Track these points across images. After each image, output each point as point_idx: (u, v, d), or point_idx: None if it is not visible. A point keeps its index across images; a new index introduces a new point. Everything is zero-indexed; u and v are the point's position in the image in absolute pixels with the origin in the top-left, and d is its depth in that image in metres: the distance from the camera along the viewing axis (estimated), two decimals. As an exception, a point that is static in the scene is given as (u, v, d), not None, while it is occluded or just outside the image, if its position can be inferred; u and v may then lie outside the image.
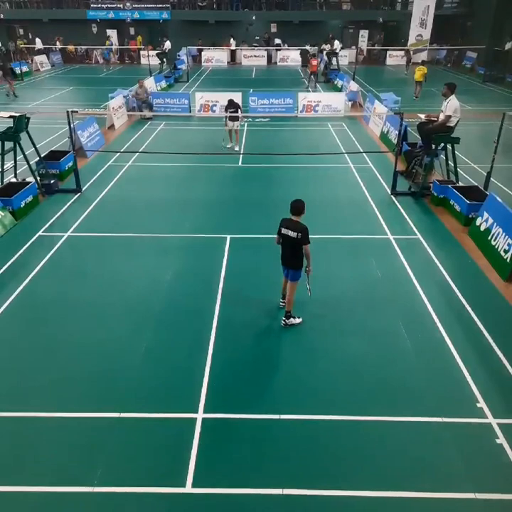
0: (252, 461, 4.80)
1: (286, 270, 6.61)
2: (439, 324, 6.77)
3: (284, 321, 6.71)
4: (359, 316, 7.05)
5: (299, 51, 35.17)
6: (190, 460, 4.76)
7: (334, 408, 5.40)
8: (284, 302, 6.95)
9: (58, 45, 35.25)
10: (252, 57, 35.18)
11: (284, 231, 6.38)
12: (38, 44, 33.13)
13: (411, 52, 31.53)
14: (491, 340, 6.44)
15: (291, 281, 6.52)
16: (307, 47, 34.65)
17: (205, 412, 5.33)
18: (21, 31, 37.26)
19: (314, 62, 24.95)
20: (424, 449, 4.93)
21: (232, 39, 34.48)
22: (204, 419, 5.24)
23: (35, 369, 5.99)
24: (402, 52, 34.08)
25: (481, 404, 5.44)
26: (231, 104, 14.31)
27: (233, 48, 34.80)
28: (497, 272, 8.05)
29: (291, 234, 6.25)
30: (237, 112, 14.31)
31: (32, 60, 31.96)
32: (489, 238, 8.55)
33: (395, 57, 35.04)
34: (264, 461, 4.80)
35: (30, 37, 36.66)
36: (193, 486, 4.53)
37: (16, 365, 6.07)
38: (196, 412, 5.33)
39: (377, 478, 4.62)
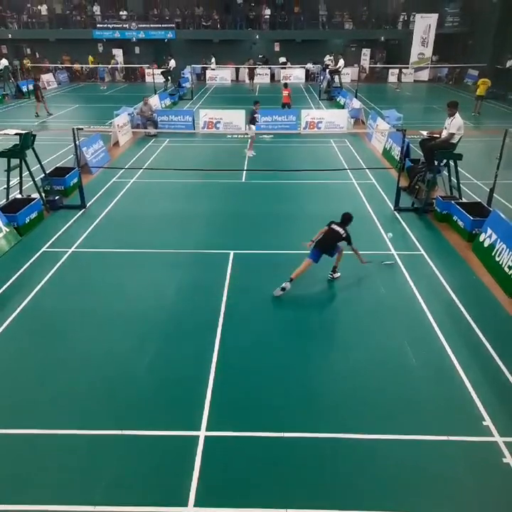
0: (255, 480, 4.74)
1: (319, 255, 7.91)
2: (444, 341, 6.72)
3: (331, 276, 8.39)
4: (363, 333, 7.01)
5: (302, 69, 35.71)
6: (192, 479, 4.70)
7: (338, 426, 5.34)
8: (291, 281, 7.83)
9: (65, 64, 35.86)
10: (256, 76, 35.51)
11: (334, 226, 8.09)
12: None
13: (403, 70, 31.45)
14: (496, 358, 6.38)
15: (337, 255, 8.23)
16: (309, 65, 35.20)
17: (207, 429, 5.28)
18: (28, 50, 37.87)
19: (285, 93, 21.43)
20: (429, 467, 4.85)
21: (213, 58, 34.33)
22: (206, 437, 5.19)
23: (37, 385, 5.96)
24: (408, 70, 34.52)
25: (488, 422, 5.36)
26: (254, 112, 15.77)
27: (213, 66, 34.81)
28: (502, 288, 8.01)
29: (340, 230, 8.03)
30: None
31: (39, 79, 32.42)
32: (493, 254, 8.53)
33: (397, 75, 35.44)
34: (267, 480, 4.73)
35: (37, 56, 37.31)
36: (195, 505, 4.47)
37: (17, 381, 6.04)
38: (199, 429, 5.28)
39: (381, 497, 4.54)
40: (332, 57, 28.91)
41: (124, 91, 31.93)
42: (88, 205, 11.54)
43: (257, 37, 36.44)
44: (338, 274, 8.40)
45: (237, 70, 36.82)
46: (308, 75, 36.27)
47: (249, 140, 16.07)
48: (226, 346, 6.63)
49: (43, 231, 10.22)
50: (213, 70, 35.46)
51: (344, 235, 8.02)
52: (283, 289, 7.68)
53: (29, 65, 34.69)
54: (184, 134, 18.88)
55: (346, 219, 8.18)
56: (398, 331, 6.99)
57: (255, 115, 15.89)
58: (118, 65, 36.58)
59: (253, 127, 15.81)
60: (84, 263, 8.99)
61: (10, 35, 35.70)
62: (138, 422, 5.39)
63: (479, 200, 10.83)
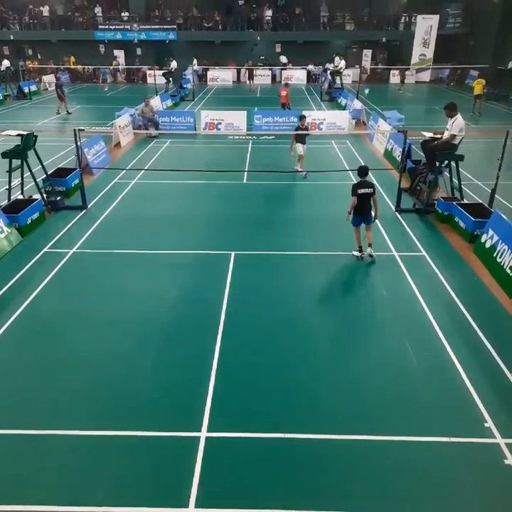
0: (256, 481, 4.73)
1: (361, 220, 8.70)
2: (445, 342, 6.71)
3: (371, 252, 8.84)
4: (364, 334, 7.00)
5: (303, 70, 35.75)
6: (193, 480, 4.70)
7: (340, 428, 5.33)
8: (362, 251, 8.86)
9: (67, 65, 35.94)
10: (258, 77, 35.53)
11: (361, 191, 8.44)
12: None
13: (406, 71, 31.64)
14: (498, 359, 6.36)
15: (369, 225, 8.79)
16: (310, 66, 35.23)
17: (208, 430, 5.28)
18: (30, 52, 37.92)
19: (284, 93, 21.22)
20: (430, 468, 4.84)
21: (194, 60, 33.81)
22: (207, 438, 5.18)
23: (37, 385, 5.96)
24: (410, 72, 34.57)
25: (489, 423, 5.35)
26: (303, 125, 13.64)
27: (196, 68, 34.64)
28: (503, 289, 7.99)
29: (367, 191, 8.51)
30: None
31: (40, 80, 32.50)
32: (495, 255, 8.52)
33: (398, 77, 35.41)
34: (268, 481, 4.72)
35: (39, 57, 37.36)
36: (196, 506, 4.46)
37: (17, 381, 6.04)
38: (200, 430, 5.27)
39: (383, 499, 4.53)
40: (337, 58, 28.72)
41: (125, 92, 31.97)
42: (89, 206, 11.55)
43: (259, 38, 36.47)
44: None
45: (239, 71, 36.86)
46: (310, 76, 36.30)
47: (298, 158, 13.83)
48: (227, 348, 6.62)
49: (44, 232, 10.23)
50: (196, 70, 35.34)
51: (372, 191, 8.58)
52: (357, 257, 8.86)
53: (31, 66, 34.74)
54: (185, 135, 18.89)
55: (364, 172, 8.62)
56: (399, 331, 6.98)
57: (298, 131, 13.50)
58: (119, 66, 36.61)
59: (302, 146, 13.51)
60: (86, 264, 8.99)
61: (12, 37, 35.76)
62: (138, 423, 5.38)
63: (481, 201, 10.81)
